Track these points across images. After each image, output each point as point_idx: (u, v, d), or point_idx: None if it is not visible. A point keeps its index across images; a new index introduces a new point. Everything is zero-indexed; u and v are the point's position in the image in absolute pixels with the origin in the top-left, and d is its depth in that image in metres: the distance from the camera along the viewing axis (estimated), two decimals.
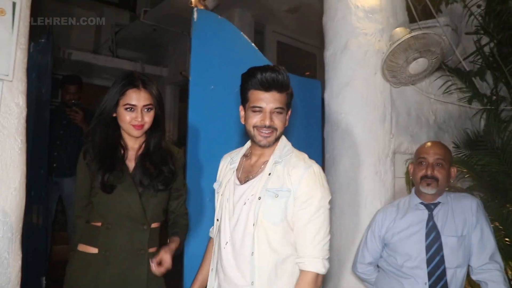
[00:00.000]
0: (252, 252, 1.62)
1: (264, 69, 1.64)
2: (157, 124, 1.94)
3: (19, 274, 1.79)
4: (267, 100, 1.64)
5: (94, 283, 1.80)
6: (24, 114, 1.88)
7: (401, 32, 2.68)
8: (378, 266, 2.38)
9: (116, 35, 6.81)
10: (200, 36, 2.63)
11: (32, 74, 2.68)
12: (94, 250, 1.83)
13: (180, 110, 7.04)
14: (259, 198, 1.65)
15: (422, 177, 2.18)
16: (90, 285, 1.80)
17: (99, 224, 1.85)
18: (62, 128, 4.02)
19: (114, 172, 1.82)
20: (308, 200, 1.62)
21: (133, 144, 1.94)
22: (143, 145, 1.96)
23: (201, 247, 2.41)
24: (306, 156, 1.75)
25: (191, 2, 5.43)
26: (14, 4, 1.86)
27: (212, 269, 1.81)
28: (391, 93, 2.91)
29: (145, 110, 1.85)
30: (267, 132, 1.66)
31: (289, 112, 1.75)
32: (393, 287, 2.21)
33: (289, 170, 1.66)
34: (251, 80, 1.65)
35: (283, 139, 1.78)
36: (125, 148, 1.92)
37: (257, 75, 1.63)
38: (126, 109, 1.83)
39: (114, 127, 1.90)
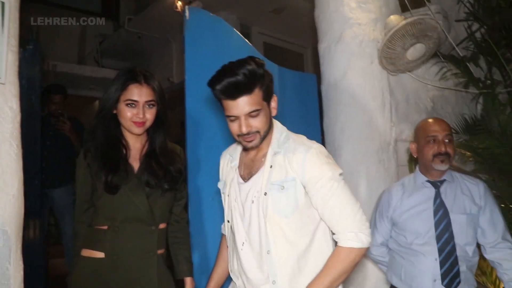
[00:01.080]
0: (268, 250, 1.55)
1: (221, 76, 1.49)
2: (160, 122, 1.87)
3: (22, 286, 1.71)
4: (238, 108, 1.50)
5: None
6: (18, 118, 1.80)
7: (396, 20, 2.66)
8: (388, 247, 2.35)
9: (100, 44, 6.71)
10: (193, 34, 2.58)
11: (22, 81, 2.61)
12: (101, 255, 1.75)
13: (170, 117, 6.97)
14: (265, 194, 1.56)
15: (436, 154, 2.15)
16: None
17: (105, 227, 1.77)
18: (49, 139, 3.92)
19: (118, 172, 1.74)
20: (318, 183, 1.52)
21: (135, 142, 1.87)
22: (146, 144, 1.89)
23: (205, 246, 2.37)
24: (304, 138, 1.65)
25: (176, 6, 5.37)
26: (3, 4, 1.78)
27: (231, 270, 1.74)
28: (389, 82, 2.88)
29: (147, 106, 1.78)
30: (248, 137, 1.55)
31: (273, 99, 1.61)
32: (404, 266, 2.19)
33: (290, 157, 1.56)
34: (215, 91, 1.53)
35: (278, 126, 1.67)
36: (126, 147, 1.84)
37: (217, 86, 1.50)
38: (127, 105, 1.76)
39: (114, 125, 1.83)
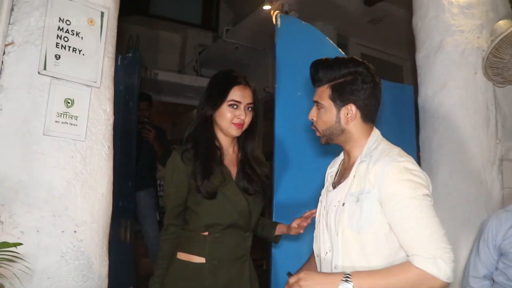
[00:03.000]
0: (336, 266, 1.43)
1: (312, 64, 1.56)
2: (253, 127, 1.86)
3: (106, 281, 1.78)
4: (315, 94, 1.57)
5: None
6: (111, 121, 1.90)
7: (505, 25, 2.44)
8: (493, 281, 2.09)
9: (200, 55, 6.97)
10: (285, 42, 2.56)
11: (120, 86, 2.76)
12: (201, 260, 1.73)
13: (266, 127, 7.04)
14: (343, 205, 1.46)
15: None
16: None
17: (206, 233, 1.75)
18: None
19: (217, 177, 1.74)
20: (393, 200, 1.35)
21: (228, 145, 1.86)
22: (238, 149, 1.89)
23: (290, 249, 2.31)
24: (397, 150, 1.46)
25: (272, 17, 5.41)
26: (102, 14, 1.90)
27: None
28: (495, 94, 2.64)
29: (247, 109, 1.79)
30: (313, 128, 1.59)
31: (348, 108, 1.49)
32: None
33: (370, 168, 1.42)
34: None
35: (375, 135, 1.53)
36: (220, 150, 1.83)
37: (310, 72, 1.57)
38: (230, 105, 1.76)
39: (211, 128, 1.84)
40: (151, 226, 4.06)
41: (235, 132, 1.78)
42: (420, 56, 2.85)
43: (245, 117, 1.77)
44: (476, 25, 2.66)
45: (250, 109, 1.80)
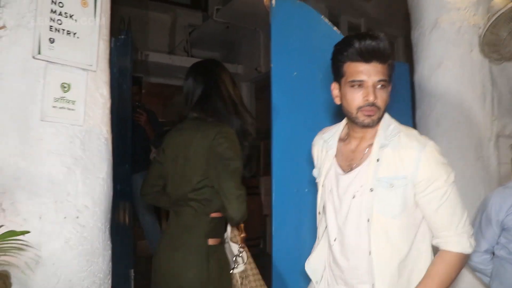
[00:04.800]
0: (370, 251, 1.41)
1: (361, 36, 1.39)
2: None
3: (110, 264, 1.78)
4: (370, 72, 1.38)
5: None
6: (108, 104, 1.87)
7: (502, 2, 2.41)
8: (493, 254, 2.14)
9: (190, 35, 6.88)
10: (279, 21, 2.52)
11: (113, 69, 2.72)
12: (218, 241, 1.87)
13: (257, 107, 7.00)
14: (371, 190, 1.42)
15: None
16: None
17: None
18: None
19: None
20: (431, 185, 1.38)
21: None
22: None
23: (289, 242, 2.32)
24: (416, 132, 1.48)
25: None
26: None
27: (312, 264, 1.64)
28: (491, 71, 2.64)
29: None
30: (371, 110, 1.40)
31: (390, 88, 1.46)
32: None
33: (401, 153, 1.41)
34: (347, 50, 1.40)
35: (386, 117, 1.50)
36: None
37: (355, 44, 1.38)
38: None
39: None
40: (147, 209, 4.05)
41: None
42: (415, 34, 2.83)
43: None
44: (471, 2, 2.64)
45: None
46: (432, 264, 1.43)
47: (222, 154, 1.75)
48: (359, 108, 1.42)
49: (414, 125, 2.84)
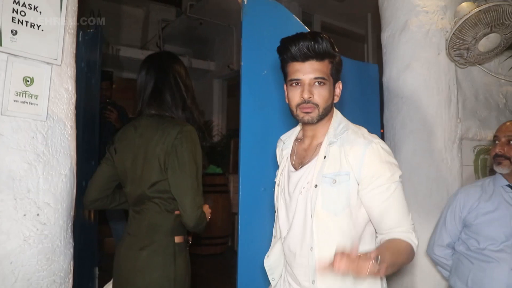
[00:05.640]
0: (311, 248, 1.43)
1: (297, 37, 1.42)
2: None
3: (71, 263, 1.74)
4: (305, 71, 1.42)
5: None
6: (73, 100, 1.83)
7: (468, 7, 2.46)
8: (454, 250, 2.22)
9: (163, 30, 6.82)
10: (251, 19, 2.51)
11: (81, 63, 2.66)
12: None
13: (229, 104, 6.98)
14: (315, 186, 1.44)
15: (494, 156, 2.09)
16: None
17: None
18: None
19: None
20: (374, 182, 1.39)
21: None
22: None
23: (255, 240, 2.32)
24: (365, 131, 1.50)
25: None
26: None
27: (270, 262, 1.64)
28: (457, 75, 2.69)
29: None
30: (307, 107, 1.44)
31: (338, 85, 1.51)
32: (472, 271, 2.05)
33: (346, 150, 1.43)
34: (286, 52, 1.44)
35: (338, 115, 1.54)
36: None
37: (291, 45, 1.42)
38: None
39: None
40: (117, 213, 3.98)
41: None
42: (385, 36, 2.87)
43: None
44: (440, 6, 2.69)
45: None
46: (387, 241, 1.40)
47: (182, 156, 1.71)
48: (297, 106, 1.46)
49: (382, 126, 2.88)
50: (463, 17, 2.41)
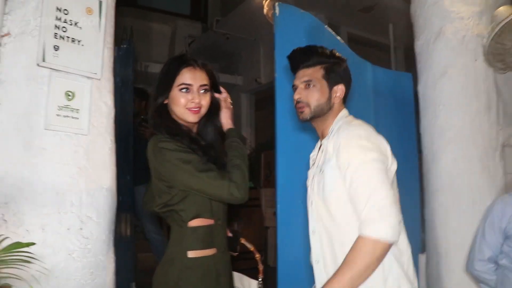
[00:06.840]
0: (313, 230, 1.60)
1: (292, 52, 1.70)
2: (214, 110, 1.74)
3: (113, 277, 1.74)
4: (298, 78, 1.65)
5: None
6: (112, 114, 1.84)
7: (506, 11, 2.41)
8: (497, 264, 2.09)
9: (190, 46, 6.89)
10: (283, 31, 2.50)
11: (116, 79, 2.69)
12: (212, 252, 1.61)
13: (257, 118, 6.98)
14: (313, 177, 1.63)
15: None
16: None
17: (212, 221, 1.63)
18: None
19: None
20: (349, 167, 1.44)
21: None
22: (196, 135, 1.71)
23: (294, 252, 2.28)
24: (357, 122, 1.59)
25: (264, 6, 5.35)
26: (100, 3, 1.84)
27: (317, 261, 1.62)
28: (496, 80, 2.61)
29: (202, 91, 1.65)
30: (299, 106, 1.63)
31: (339, 88, 1.64)
32: None
33: (331, 140, 1.56)
34: (290, 65, 1.73)
35: (341, 113, 1.65)
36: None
37: (289, 59, 1.71)
38: (181, 89, 1.62)
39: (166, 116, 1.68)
40: (150, 221, 4.00)
41: (191, 118, 1.64)
42: (419, 44, 2.82)
43: (200, 100, 1.63)
44: (475, 11, 2.63)
45: (204, 91, 1.65)
46: (349, 251, 1.38)
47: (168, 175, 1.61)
48: (295, 105, 1.66)
49: (418, 136, 2.82)
50: (502, 21, 2.36)
